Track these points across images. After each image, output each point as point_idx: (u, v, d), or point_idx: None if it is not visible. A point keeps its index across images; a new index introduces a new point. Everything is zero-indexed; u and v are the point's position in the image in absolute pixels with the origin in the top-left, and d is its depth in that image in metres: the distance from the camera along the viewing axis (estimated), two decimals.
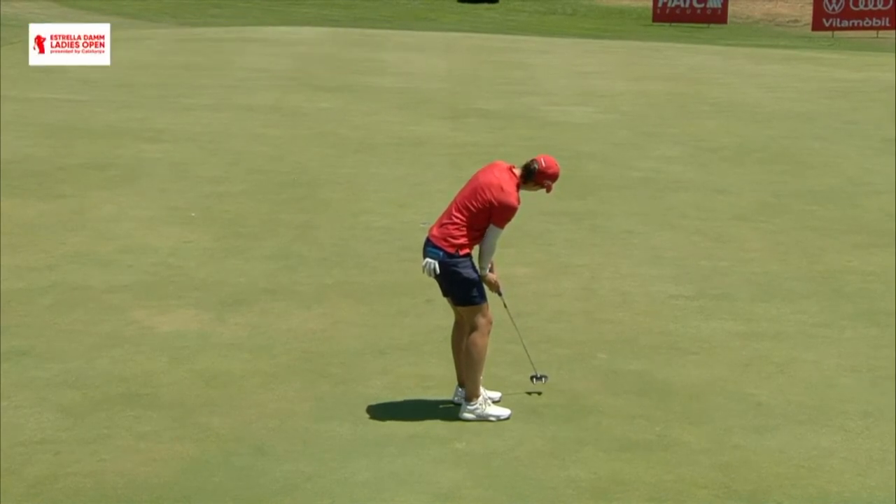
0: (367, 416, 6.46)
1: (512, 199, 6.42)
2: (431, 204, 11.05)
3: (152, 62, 21.73)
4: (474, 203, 6.41)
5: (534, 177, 6.52)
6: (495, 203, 6.39)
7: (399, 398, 6.72)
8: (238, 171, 12.74)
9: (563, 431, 6.35)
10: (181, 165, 12.86)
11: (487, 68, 22.73)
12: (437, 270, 6.35)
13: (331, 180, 12.46)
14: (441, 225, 6.45)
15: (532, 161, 6.55)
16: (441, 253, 6.37)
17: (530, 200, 11.77)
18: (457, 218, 6.42)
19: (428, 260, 6.38)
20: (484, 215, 6.39)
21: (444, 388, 6.88)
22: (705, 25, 37.35)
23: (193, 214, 10.78)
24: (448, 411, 6.56)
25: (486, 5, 42.95)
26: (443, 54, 24.84)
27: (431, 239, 6.43)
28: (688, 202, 12.11)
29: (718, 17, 38.20)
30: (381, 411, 6.52)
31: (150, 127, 15.03)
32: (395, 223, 10.63)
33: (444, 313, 8.16)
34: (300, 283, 8.84)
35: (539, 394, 6.81)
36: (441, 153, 13.91)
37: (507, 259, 9.61)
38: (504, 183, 6.45)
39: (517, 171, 6.54)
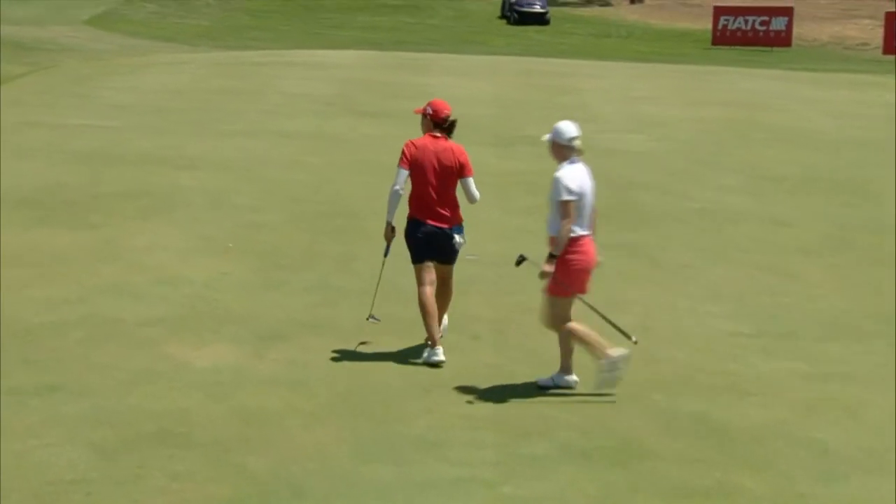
0: (410, 457, 6.47)
1: (462, 147, 8.02)
2: (478, 235, 11.07)
3: (188, 87, 22.04)
4: (451, 177, 7.91)
5: (441, 124, 7.98)
6: (463, 161, 7.96)
7: (443, 439, 6.73)
8: (276, 200, 12.86)
9: (616, 476, 6.32)
10: (217, 194, 13.00)
11: (536, 93, 22.80)
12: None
13: (372, 210, 12.52)
14: (444, 211, 7.92)
15: (448, 124, 8.00)
16: (461, 228, 8.04)
17: None
18: (451, 198, 7.96)
19: (458, 237, 7.99)
20: (457, 180, 7.96)
21: (491, 428, 6.88)
22: (768, 49, 37.24)
23: (230, 245, 10.89)
24: (495, 454, 6.55)
25: (535, 27, 43.16)
26: (490, 78, 24.97)
27: (448, 226, 7.94)
28: (748, 235, 12.04)
29: (782, 39, 38.08)
30: (425, 452, 6.53)
31: (185, 154, 15.22)
32: None
33: (491, 350, 8.19)
34: (340, 317, 8.89)
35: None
36: (487, 182, 13.88)
37: None
38: (449, 144, 7.95)
39: (437, 134, 7.97)
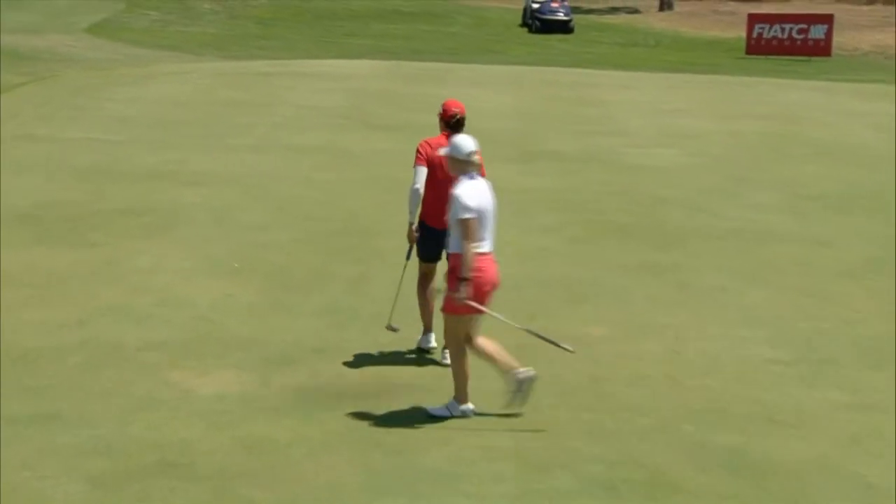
0: (425, 490, 6.46)
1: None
2: (498, 255, 11.08)
3: (193, 98, 22.17)
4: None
5: (448, 121, 8.40)
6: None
7: (461, 471, 6.72)
8: (285, 217, 12.91)
9: None
10: (223, 212, 13.06)
11: (560, 105, 22.84)
12: None
13: (386, 228, 12.56)
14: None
15: (454, 122, 8.41)
16: None
17: (606, 253, 11.83)
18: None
19: None
20: None
21: (511, 460, 6.88)
22: (806, 58, 37.21)
23: (236, 265, 10.93)
24: (515, 487, 6.54)
25: (558, 36, 43.23)
26: (510, 90, 25.03)
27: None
28: (785, 256, 12.02)
29: (821, 48, 38.03)
30: (441, 486, 6.52)
31: (190, 169, 15.30)
32: None
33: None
34: (352, 341, 8.91)
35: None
36: (508, 199, 13.88)
37: (581, 318, 9.63)
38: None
39: (449, 132, 8.30)
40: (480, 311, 7.43)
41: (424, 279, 8.72)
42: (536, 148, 17.89)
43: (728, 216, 13.72)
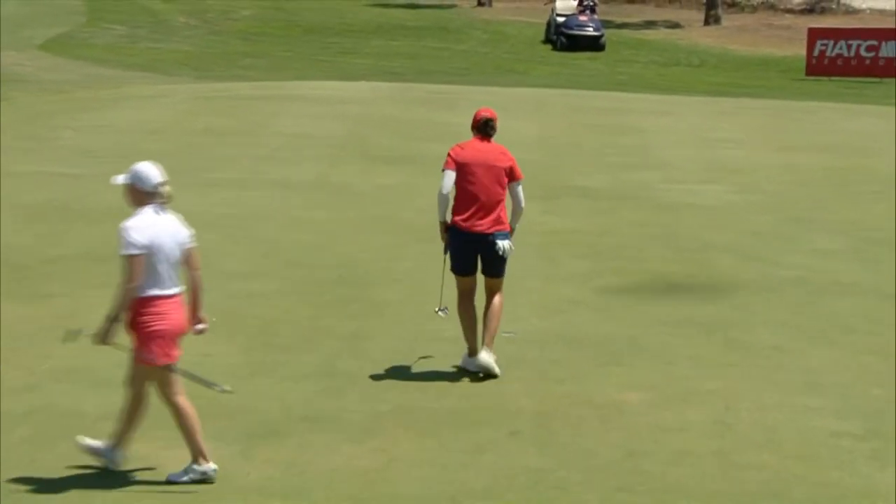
0: None
1: (508, 150, 9.56)
2: (516, 307, 11.08)
3: (166, 126, 22.29)
4: (499, 179, 9.36)
5: (477, 124, 9.52)
6: (512, 163, 9.45)
7: None
8: (272, 264, 12.93)
9: None
10: (201, 257, 13.06)
11: (589, 134, 22.92)
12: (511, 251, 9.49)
13: (388, 277, 12.58)
14: (489, 216, 9.32)
15: (481, 123, 9.54)
16: (507, 235, 9.44)
17: (643, 306, 11.81)
18: (498, 202, 9.35)
19: (504, 244, 9.38)
20: (505, 182, 9.43)
21: None
22: (876, 80, 37.29)
23: (214, 319, 10.89)
24: None
25: (588, 54, 43.41)
26: (532, 116, 25.13)
27: (491, 231, 9.32)
28: (854, 311, 11.99)
29: (895, 69, 38.08)
30: None
31: None
32: None
33: (532, 450, 8.14)
34: (348, 409, 8.89)
35: None
36: (529, 242, 13.96)
37: (615, 381, 9.61)
38: (495, 146, 9.49)
39: (480, 137, 9.49)
40: (167, 365, 7.53)
41: (465, 297, 9.57)
42: (562, 183, 17.92)
43: (786, 264, 13.71)
